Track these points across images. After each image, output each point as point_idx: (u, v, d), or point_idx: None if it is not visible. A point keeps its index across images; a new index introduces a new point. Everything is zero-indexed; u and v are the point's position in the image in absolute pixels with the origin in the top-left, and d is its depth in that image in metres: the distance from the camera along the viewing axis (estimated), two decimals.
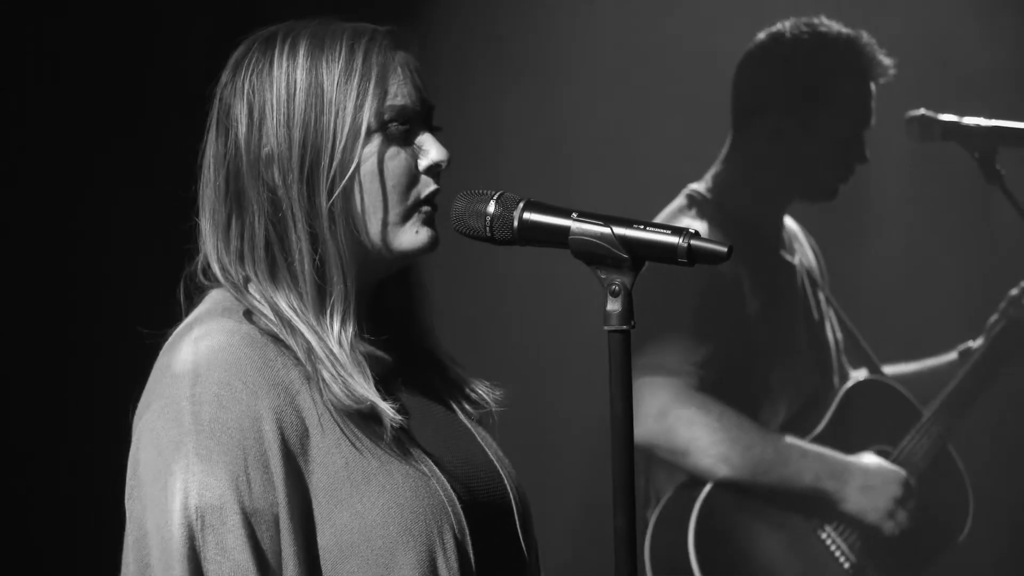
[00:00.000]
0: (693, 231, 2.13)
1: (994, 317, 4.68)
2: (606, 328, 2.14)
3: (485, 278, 4.79)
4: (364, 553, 2.17)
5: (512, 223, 2.20)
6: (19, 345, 4.01)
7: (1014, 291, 4.68)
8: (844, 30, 4.52)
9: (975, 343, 4.70)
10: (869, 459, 4.47)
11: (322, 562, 2.17)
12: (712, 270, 4.34)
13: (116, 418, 2.26)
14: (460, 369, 2.41)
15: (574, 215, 2.18)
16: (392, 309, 2.36)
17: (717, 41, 4.83)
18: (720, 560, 4.34)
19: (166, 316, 2.28)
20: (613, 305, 2.14)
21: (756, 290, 4.49)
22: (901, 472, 4.47)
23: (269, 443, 2.15)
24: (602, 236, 2.15)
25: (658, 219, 4.48)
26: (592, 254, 2.15)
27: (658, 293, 4.29)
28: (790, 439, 4.41)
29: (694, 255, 2.12)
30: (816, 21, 4.53)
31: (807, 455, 4.39)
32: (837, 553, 4.43)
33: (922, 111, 4.57)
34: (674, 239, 2.12)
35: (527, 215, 2.20)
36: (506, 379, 2.47)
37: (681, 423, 4.31)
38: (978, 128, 4.54)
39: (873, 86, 4.53)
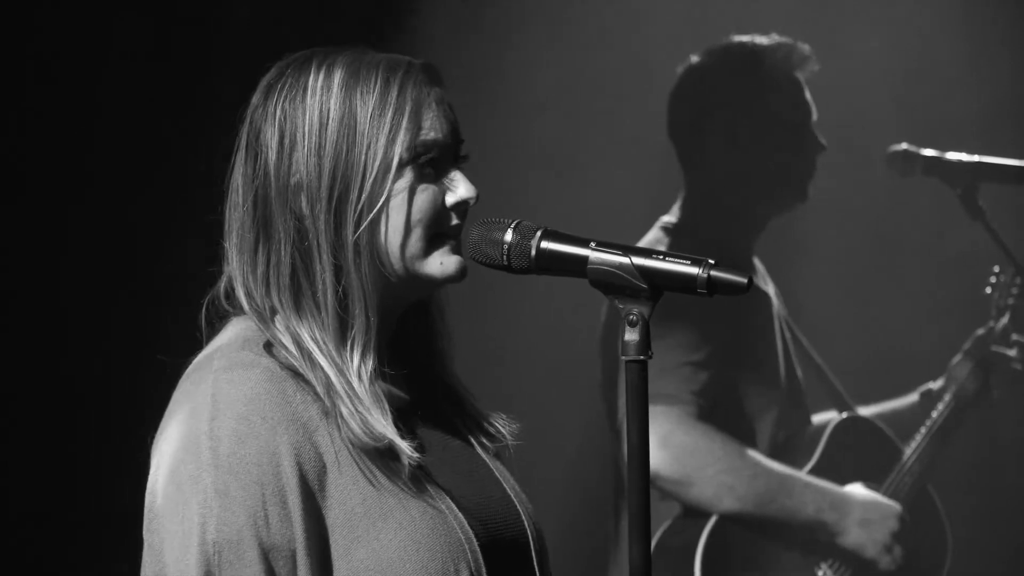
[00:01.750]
0: (712, 261, 2.13)
1: (957, 358, 4.68)
2: (623, 358, 2.14)
3: (476, 293, 4.78)
4: None
5: (530, 252, 2.19)
6: (36, 368, 4.00)
7: (980, 331, 4.69)
8: (758, 39, 4.52)
9: (935, 384, 4.71)
10: (865, 492, 4.47)
11: None
12: (694, 299, 4.32)
13: (135, 443, 2.24)
14: (476, 402, 2.40)
15: (592, 244, 2.17)
16: (412, 342, 2.35)
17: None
18: None
19: (187, 340, 2.27)
20: (631, 335, 2.14)
21: (737, 319, 4.50)
22: (897, 507, 4.46)
23: (287, 478, 2.14)
24: (621, 266, 2.14)
25: None
26: (610, 284, 2.14)
27: (655, 321, 4.27)
28: (790, 470, 4.40)
29: (714, 285, 2.12)
30: (724, 42, 4.54)
31: (808, 486, 4.38)
32: None
33: (904, 146, 4.60)
34: (694, 269, 2.12)
35: (545, 244, 2.19)
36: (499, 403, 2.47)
37: (685, 453, 4.27)
38: (960, 164, 4.57)
39: (801, 77, 4.51)
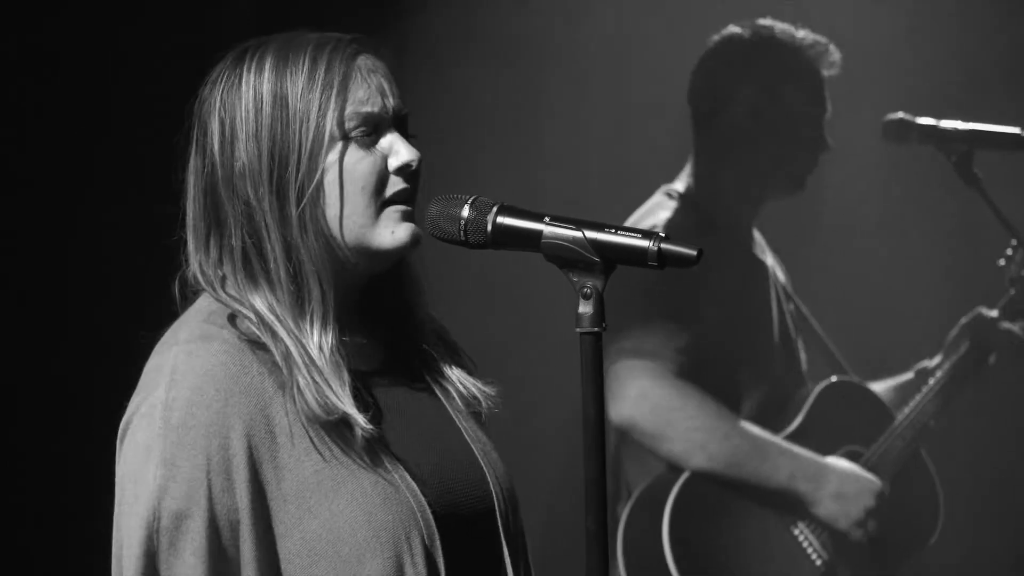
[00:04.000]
0: (663, 235, 2.16)
1: (954, 332, 4.71)
2: (578, 330, 2.17)
3: (460, 279, 4.81)
4: (332, 560, 2.20)
5: (486, 227, 2.23)
6: (17, 347, 4.03)
7: (982, 308, 4.71)
8: (791, 28, 4.58)
9: (932, 362, 4.73)
10: (844, 465, 4.49)
11: (291, 568, 2.21)
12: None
13: (113, 421, 2.30)
14: (460, 362, 2.44)
15: (547, 219, 2.21)
16: (387, 305, 2.39)
17: (692, 38, 4.86)
18: (694, 554, 4.36)
19: (164, 316, 2.33)
20: (585, 308, 2.17)
21: (731, 286, 4.55)
22: (876, 482, 4.48)
23: (235, 450, 2.19)
24: (574, 240, 2.18)
25: (635, 215, 4.57)
26: (564, 258, 2.18)
27: (641, 280, 4.34)
28: (768, 435, 4.44)
29: (664, 258, 2.15)
30: (764, 23, 4.60)
31: (784, 453, 4.42)
32: (809, 550, 4.46)
33: (900, 114, 4.61)
34: (644, 242, 2.15)
35: (500, 219, 2.23)
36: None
37: (660, 407, 4.33)
38: (955, 132, 4.57)
39: (825, 73, 4.57)
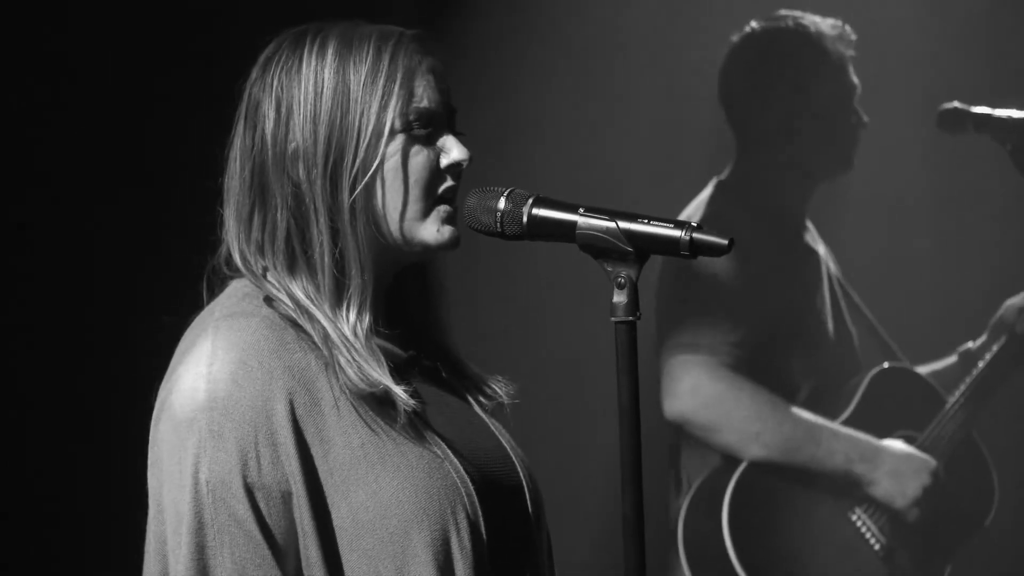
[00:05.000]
0: (695, 224, 2.18)
1: (998, 314, 4.73)
2: (613, 319, 2.19)
3: (494, 271, 4.84)
4: (379, 532, 2.22)
5: (521, 219, 2.26)
6: (38, 337, 4.04)
7: (1011, 300, 4.72)
8: (807, 16, 4.67)
9: (975, 344, 4.74)
10: (899, 445, 4.53)
11: (338, 539, 2.23)
12: (745, 255, 4.45)
13: (136, 412, 2.32)
14: (474, 366, 2.47)
15: (581, 210, 2.24)
16: (409, 305, 2.43)
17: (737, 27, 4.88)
18: (754, 544, 4.39)
19: (189, 307, 2.35)
20: (619, 297, 2.19)
21: (785, 276, 4.59)
22: (931, 461, 4.52)
23: (280, 422, 2.21)
24: (607, 230, 2.20)
25: (688, 209, 4.62)
26: (598, 248, 2.21)
27: (694, 275, 4.39)
28: (822, 420, 4.47)
29: (696, 247, 2.17)
30: (780, 14, 4.66)
31: (838, 436, 4.46)
32: (868, 535, 4.49)
33: (955, 104, 4.60)
34: (676, 232, 2.18)
35: (536, 211, 2.26)
36: (519, 374, 2.52)
37: (713, 400, 4.39)
38: (1010, 120, 4.55)
39: (848, 53, 4.63)
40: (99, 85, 4.10)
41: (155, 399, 2.29)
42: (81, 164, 4.09)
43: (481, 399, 2.44)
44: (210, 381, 2.22)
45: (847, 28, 4.65)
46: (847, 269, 4.84)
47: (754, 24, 4.68)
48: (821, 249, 4.73)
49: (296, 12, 2.50)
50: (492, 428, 2.42)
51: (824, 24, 4.64)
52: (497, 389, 2.45)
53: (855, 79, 4.65)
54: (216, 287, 2.35)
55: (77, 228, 4.08)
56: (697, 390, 4.39)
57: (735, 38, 4.70)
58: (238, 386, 2.21)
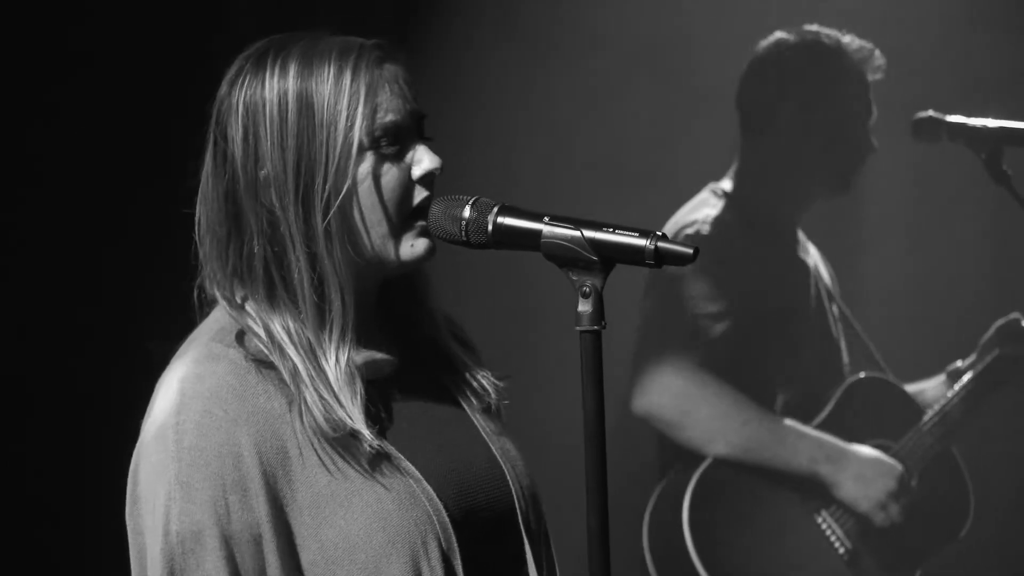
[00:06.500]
0: (660, 233, 2.18)
1: (988, 335, 4.74)
2: (578, 328, 2.19)
3: (466, 279, 4.83)
4: (348, 567, 2.22)
5: (487, 227, 2.25)
6: (34, 354, 4.05)
7: (1016, 316, 4.73)
8: (836, 34, 4.65)
9: (963, 362, 4.75)
10: (866, 449, 4.53)
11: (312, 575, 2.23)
12: (730, 255, 4.46)
13: (136, 412, 2.32)
14: (470, 355, 2.45)
15: (546, 219, 2.23)
16: (398, 306, 2.41)
17: (734, 35, 4.88)
18: (715, 542, 4.40)
19: (182, 326, 2.34)
20: (584, 306, 2.19)
21: (772, 283, 4.60)
22: (897, 466, 4.53)
23: (248, 469, 2.21)
24: (572, 239, 2.20)
25: (681, 212, 4.62)
26: (563, 257, 2.20)
27: (674, 275, 4.41)
28: (788, 421, 4.48)
29: (661, 257, 2.17)
30: (809, 28, 4.65)
31: (804, 437, 4.47)
32: (833, 538, 4.49)
33: (929, 112, 4.60)
34: (641, 241, 2.17)
35: (501, 219, 2.25)
36: (513, 375, 2.51)
37: (679, 397, 4.41)
38: (985, 129, 4.55)
39: (870, 78, 4.63)
40: (99, 85, 4.10)
41: (151, 400, 2.29)
42: (81, 164, 4.08)
43: (473, 400, 2.42)
44: (178, 431, 2.22)
45: (876, 53, 4.64)
46: (838, 282, 4.85)
47: (780, 33, 4.67)
48: (811, 261, 4.75)
49: (292, 12, 2.47)
50: (484, 436, 2.40)
51: (852, 43, 4.64)
52: (489, 389, 2.44)
53: (873, 105, 4.65)
54: (205, 305, 2.35)
55: (78, 228, 4.08)
56: (665, 386, 4.41)
57: (762, 44, 4.69)
58: (204, 437, 2.21)
